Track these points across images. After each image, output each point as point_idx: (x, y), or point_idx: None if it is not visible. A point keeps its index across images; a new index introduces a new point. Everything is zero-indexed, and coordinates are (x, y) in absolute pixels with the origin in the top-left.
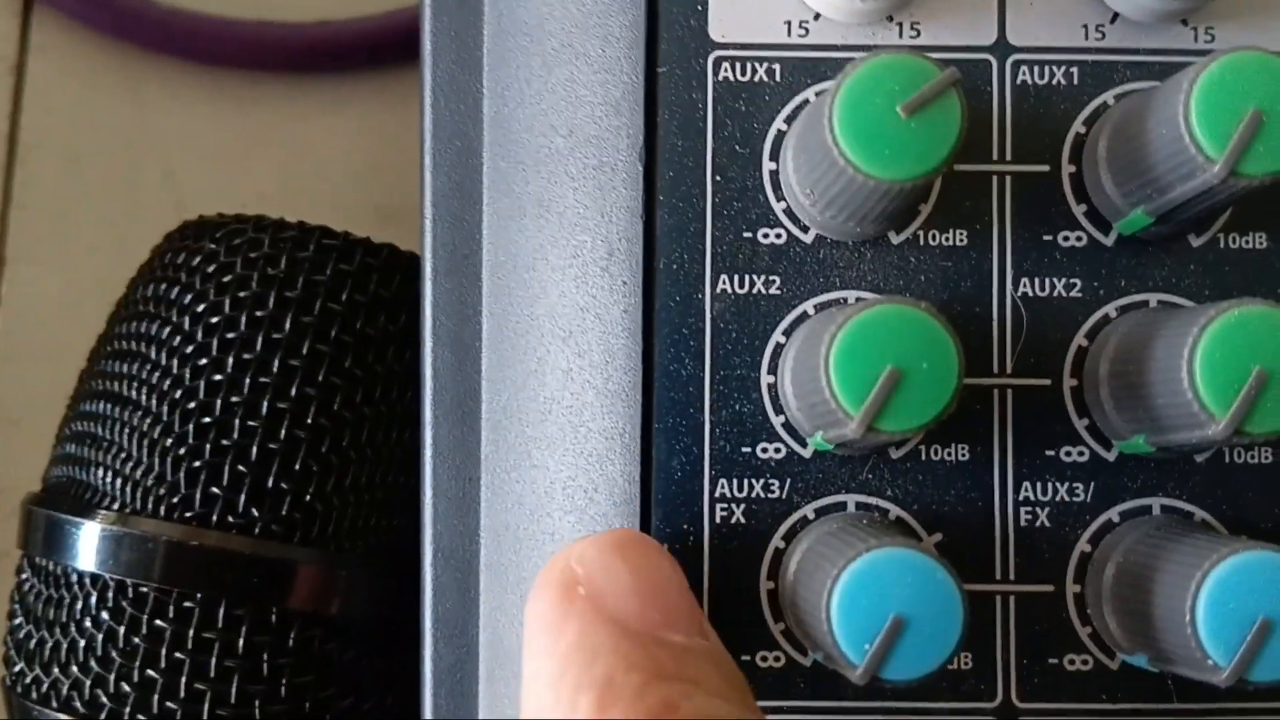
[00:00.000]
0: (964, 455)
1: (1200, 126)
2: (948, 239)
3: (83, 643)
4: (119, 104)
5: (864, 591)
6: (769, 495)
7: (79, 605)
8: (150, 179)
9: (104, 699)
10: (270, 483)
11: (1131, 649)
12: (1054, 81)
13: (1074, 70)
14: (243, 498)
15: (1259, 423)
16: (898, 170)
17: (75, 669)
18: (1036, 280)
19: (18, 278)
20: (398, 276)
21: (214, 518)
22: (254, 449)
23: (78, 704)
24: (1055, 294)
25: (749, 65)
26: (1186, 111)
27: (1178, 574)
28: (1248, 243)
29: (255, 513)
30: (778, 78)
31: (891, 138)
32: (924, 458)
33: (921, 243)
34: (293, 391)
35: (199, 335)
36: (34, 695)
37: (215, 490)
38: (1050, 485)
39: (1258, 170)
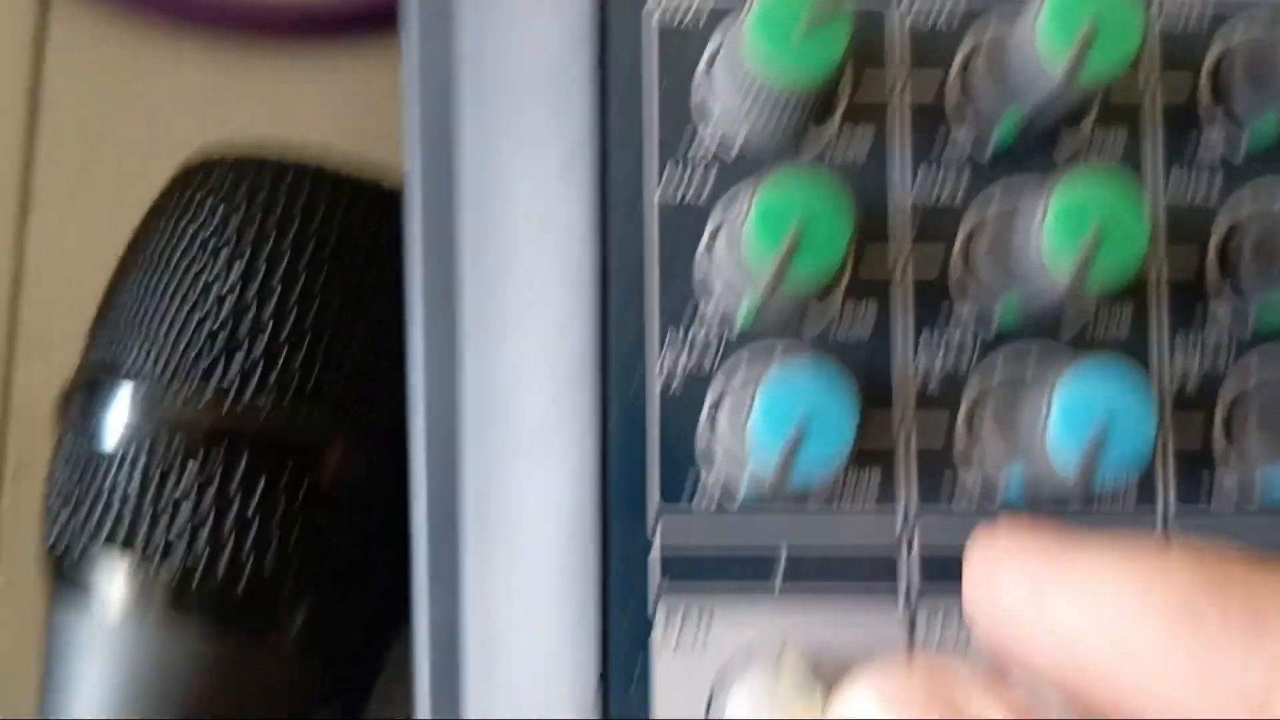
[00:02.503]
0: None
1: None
2: (851, 144)
3: (118, 498)
4: (130, 69)
5: (777, 405)
6: (703, 365)
7: (114, 465)
8: (157, 138)
9: (137, 545)
10: (279, 366)
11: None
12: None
13: None
14: (257, 377)
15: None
16: (794, 78)
17: (110, 522)
18: (927, 184)
19: (39, 226)
20: (384, 204)
21: (234, 393)
22: (264, 337)
23: (114, 551)
24: (941, 199)
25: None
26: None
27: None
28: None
29: (268, 390)
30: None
31: (790, 48)
32: (829, 336)
33: (828, 150)
34: (296, 291)
35: (215, 245)
36: (75, 546)
37: (234, 369)
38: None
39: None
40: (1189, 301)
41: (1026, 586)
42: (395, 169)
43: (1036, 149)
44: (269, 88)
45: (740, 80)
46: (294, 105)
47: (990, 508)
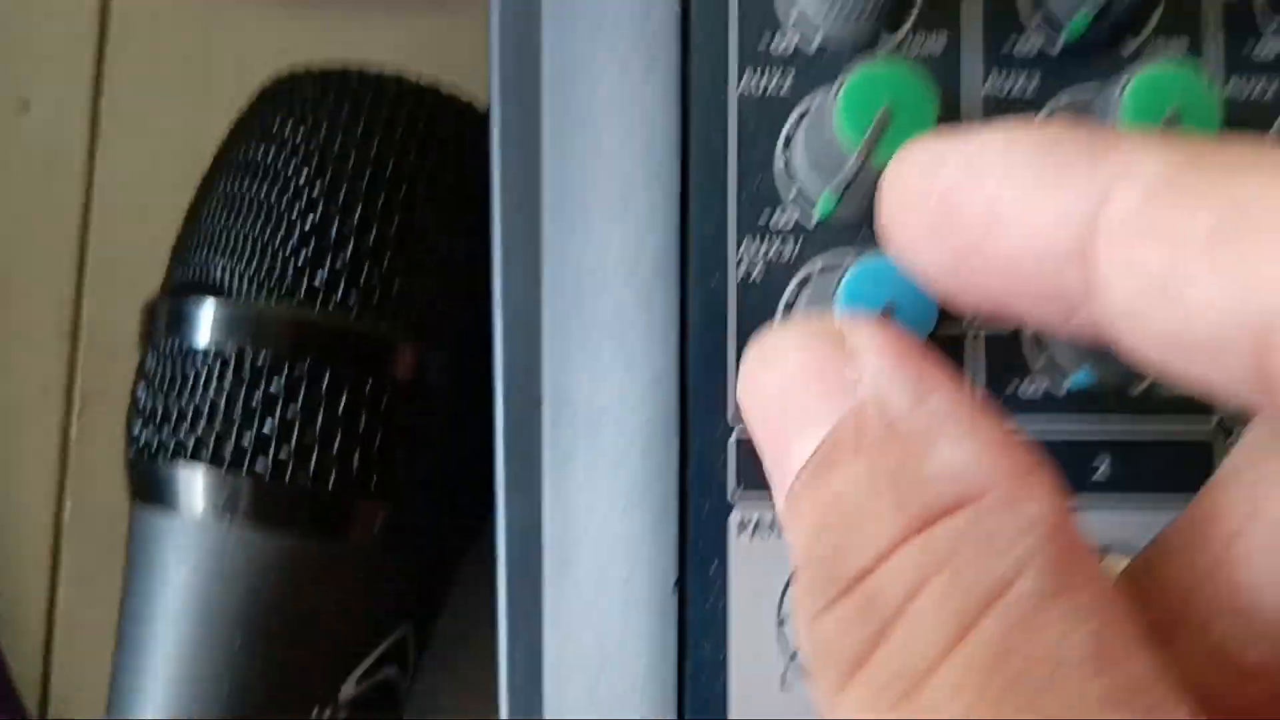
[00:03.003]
0: None
1: None
2: (926, 45)
3: (206, 406)
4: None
5: (859, 289)
6: (783, 255)
7: (202, 375)
8: (224, 64)
9: (225, 452)
10: (362, 275)
11: None
12: None
13: None
14: (341, 285)
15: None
16: None
17: (201, 427)
18: (1000, 80)
19: (109, 150)
20: (467, 115)
21: (317, 301)
22: (349, 246)
23: (202, 456)
24: (1013, 92)
25: None
26: None
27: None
28: (1170, 51)
29: (352, 298)
30: None
31: None
32: None
33: (904, 50)
34: (379, 202)
35: (301, 156)
36: (162, 456)
37: (318, 280)
38: None
39: None
40: None
41: (927, 157)
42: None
43: (1105, 46)
44: (342, 16)
45: None
46: (369, 34)
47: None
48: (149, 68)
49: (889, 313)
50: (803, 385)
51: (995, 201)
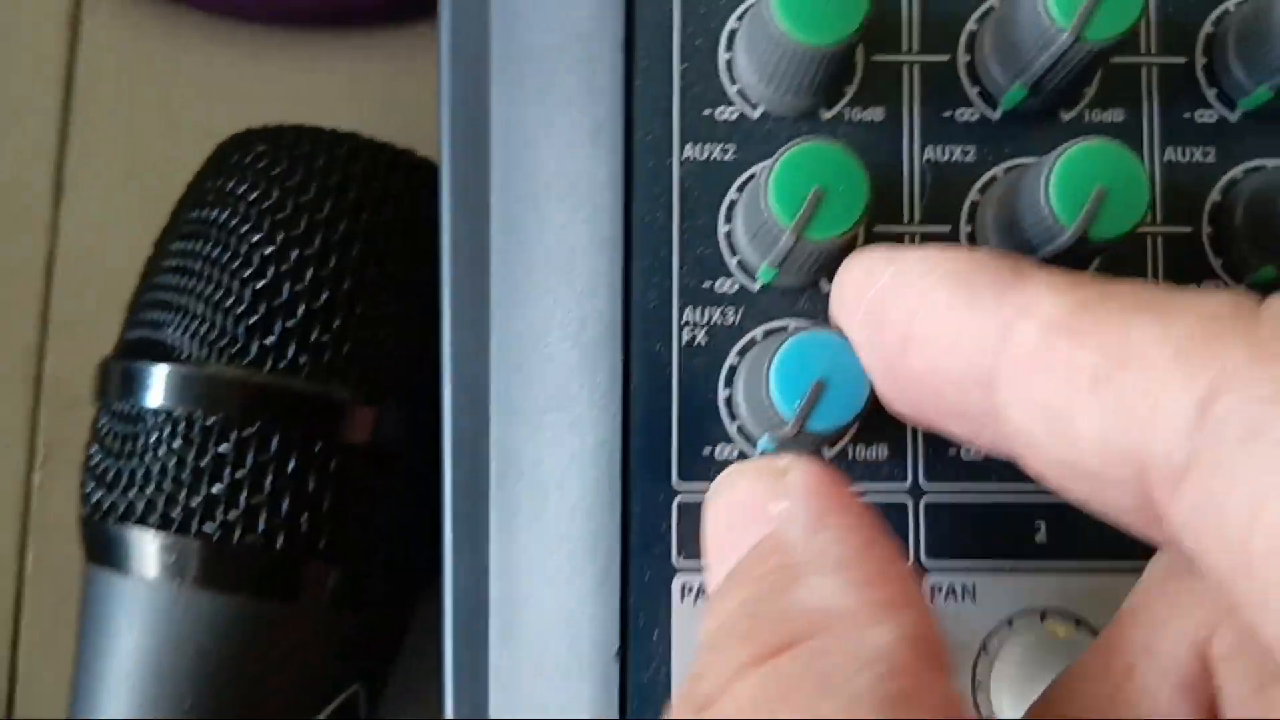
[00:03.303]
0: None
1: (1053, 2)
2: (867, 115)
3: (156, 467)
4: (163, 53)
5: (793, 363)
6: (725, 321)
7: (152, 437)
8: (188, 120)
9: (174, 512)
10: (313, 335)
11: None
12: None
13: None
14: (291, 347)
15: (1099, 230)
16: (820, 36)
17: (150, 489)
18: (939, 148)
19: (73, 204)
20: (419, 173)
21: (267, 363)
22: (299, 308)
23: (151, 519)
24: (954, 159)
25: None
26: None
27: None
28: (1107, 117)
29: (301, 358)
30: None
31: (816, 12)
32: None
33: (846, 118)
34: (330, 262)
35: (252, 218)
36: (112, 517)
37: (268, 341)
38: None
39: (1099, 35)
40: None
41: (864, 268)
42: (427, 153)
43: (1043, 116)
44: (299, 72)
45: (764, 42)
46: (324, 90)
47: None
48: (114, 122)
49: (819, 390)
50: (738, 516)
51: (913, 320)
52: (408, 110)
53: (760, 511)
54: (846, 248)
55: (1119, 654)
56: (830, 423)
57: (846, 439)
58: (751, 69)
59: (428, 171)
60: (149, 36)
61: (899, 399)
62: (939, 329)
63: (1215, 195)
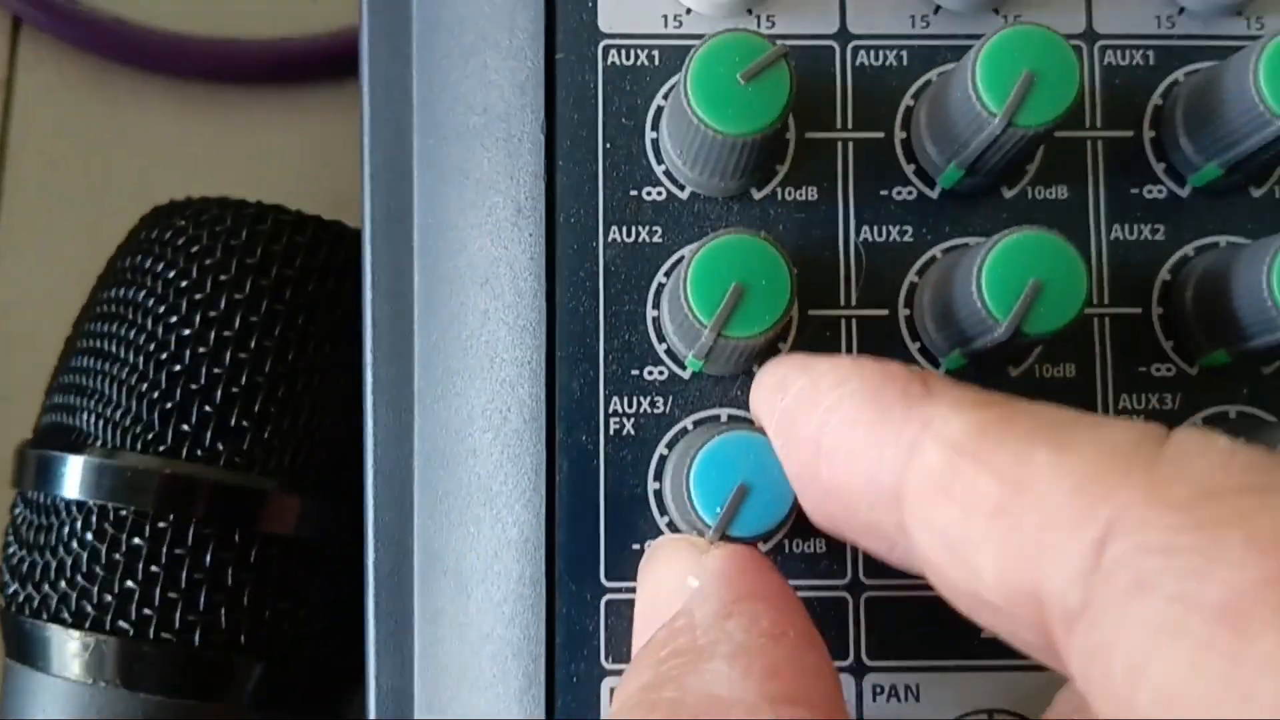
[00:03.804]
0: None
1: (985, 87)
2: (801, 194)
3: (70, 560)
4: (97, 113)
5: (715, 466)
6: (654, 410)
7: (66, 529)
8: (124, 180)
9: (89, 608)
10: (233, 420)
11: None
12: (887, 63)
13: (904, 53)
14: (209, 433)
15: (1034, 324)
16: (740, 126)
17: (64, 584)
18: (875, 228)
19: (6, 270)
20: (344, 247)
21: (184, 450)
22: (218, 392)
23: (66, 615)
24: (891, 239)
25: (633, 52)
26: (974, 75)
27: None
28: (1051, 194)
29: (220, 446)
30: (657, 62)
31: (734, 100)
32: None
33: (779, 198)
34: (251, 344)
35: (170, 297)
36: (27, 611)
37: (185, 427)
38: None
39: (1031, 122)
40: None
41: (778, 377)
42: (345, 201)
43: (984, 194)
44: (232, 131)
45: (685, 128)
46: (257, 147)
47: None
48: (48, 188)
49: (742, 494)
50: (662, 589)
51: (823, 434)
52: (351, 168)
53: (682, 586)
54: (774, 341)
55: None
56: (753, 529)
57: (782, 533)
58: (676, 151)
59: (356, 245)
60: (85, 97)
61: (814, 511)
62: (847, 444)
63: (1165, 274)
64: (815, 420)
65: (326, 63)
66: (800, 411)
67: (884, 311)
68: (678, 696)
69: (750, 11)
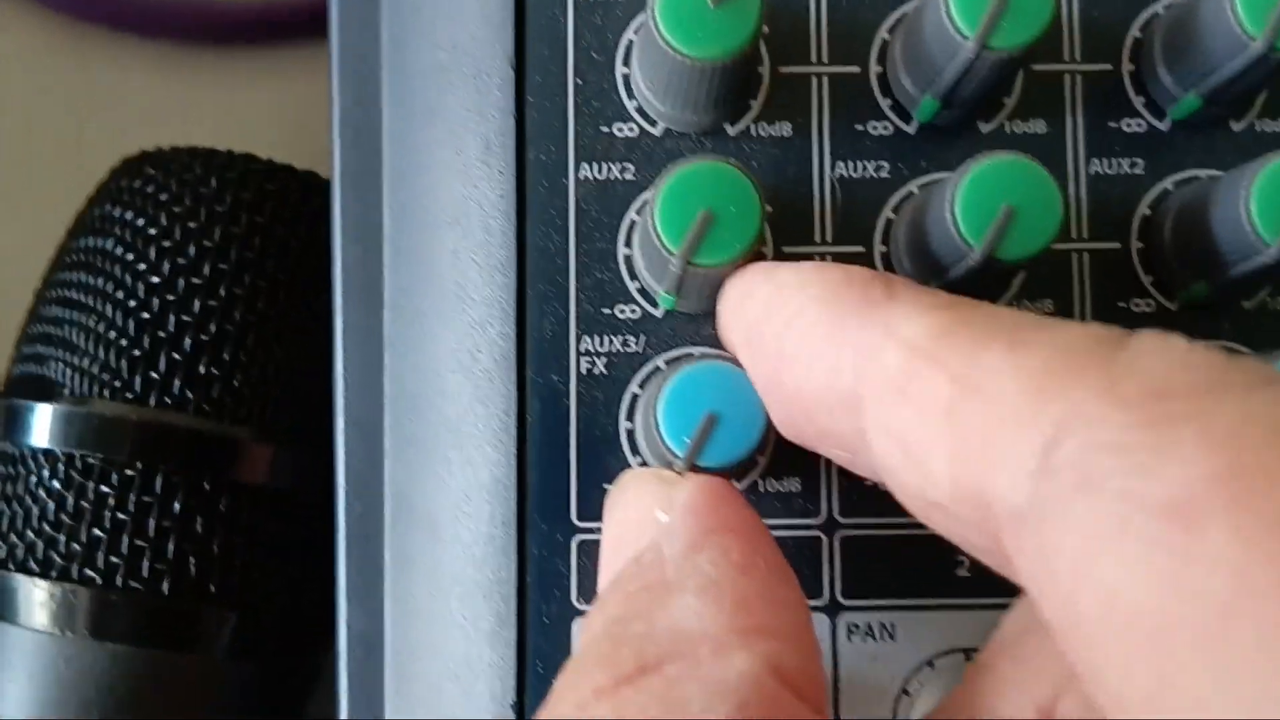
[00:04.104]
0: None
1: (958, 11)
2: (775, 130)
3: (37, 509)
4: (72, 74)
5: (683, 396)
6: (626, 349)
7: (34, 478)
8: (100, 140)
9: (55, 557)
10: (201, 368)
11: None
12: None
13: None
14: (178, 381)
15: (1008, 249)
16: (710, 50)
17: (30, 533)
18: (850, 164)
19: None
20: (316, 195)
21: (152, 399)
22: (186, 340)
23: (33, 563)
24: (867, 175)
25: None
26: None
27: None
28: (1029, 128)
29: (189, 394)
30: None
31: (703, 24)
32: None
33: (753, 134)
34: (220, 291)
35: (139, 245)
36: None
37: (154, 375)
38: None
39: (1005, 44)
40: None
41: (743, 286)
42: (318, 158)
43: (961, 128)
44: (206, 90)
45: (655, 57)
46: (231, 107)
47: None
48: (23, 149)
49: (711, 424)
50: (630, 522)
51: (783, 340)
52: (322, 127)
53: (651, 520)
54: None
55: (968, 708)
56: (724, 459)
57: (757, 471)
58: (647, 84)
59: (328, 193)
60: (60, 58)
61: (781, 421)
62: (807, 348)
63: (1145, 209)
64: (778, 326)
65: (304, 22)
66: (764, 319)
67: (860, 248)
68: (646, 630)
69: None
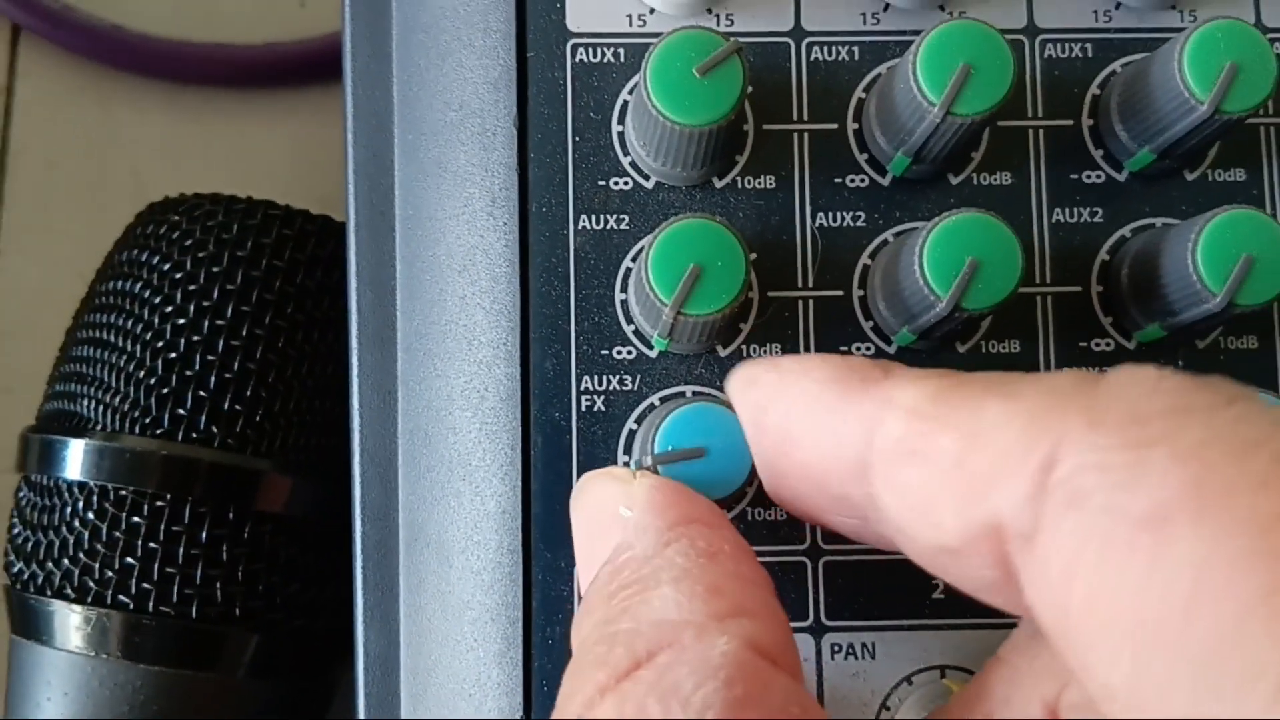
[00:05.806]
0: (777, 351)
1: (925, 79)
2: (760, 183)
3: (72, 539)
4: (94, 116)
5: (684, 428)
6: (623, 388)
7: (68, 509)
8: (119, 181)
9: (91, 584)
10: (225, 405)
11: None
12: (840, 58)
13: (855, 48)
14: (204, 417)
15: (972, 300)
16: (697, 117)
17: (66, 561)
18: (830, 214)
19: (7, 267)
20: (330, 239)
21: (180, 433)
22: (212, 378)
23: (69, 590)
24: (845, 224)
25: (599, 49)
26: (915, 68)
27: None
28: (995, 180)
29: (214, 429)
30: (622, 59)
31: (691, 93)
32: (744, 354)
33: (739, 186)
34: (243, 332)
35: (165, 288)
36: (31, 587)
37: (181, 411)
38: None
39: (968, 111)
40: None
41: (748, 375)
42: (331, 200)
43: (932, 181)
44: (224, 132)
45: (646, 120)
46: (248, 148)
47: None
48: (47, 188)
49: (696, 454)
50: (596, 520)
51: (789, 421)
52: (337, 168)
53: (615, 516)
54: (732, 319)
55: (981, 702)
56: (715, 494)
57: (745, 502)
58: (640, 143)
59: (342, 237)
60: (82, 101)
61: (787, 495)
62: (815, 425)
63: (1104, 254)
64: (784, 407)
65: (315, 66)
66: (770, 401)
67: (839, 292)
68: (633, 626)
69: (710, 10)
